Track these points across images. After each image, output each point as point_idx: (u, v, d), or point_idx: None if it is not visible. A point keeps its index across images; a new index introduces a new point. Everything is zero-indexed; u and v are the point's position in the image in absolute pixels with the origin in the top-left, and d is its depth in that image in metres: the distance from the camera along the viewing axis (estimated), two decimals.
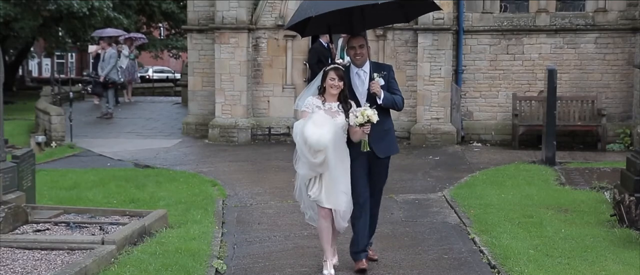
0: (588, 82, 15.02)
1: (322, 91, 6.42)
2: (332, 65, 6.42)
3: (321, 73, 6.50)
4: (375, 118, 6.18)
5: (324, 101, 6.38)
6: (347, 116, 6.34)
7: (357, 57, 6.61)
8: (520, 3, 15.42)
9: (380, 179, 6.82)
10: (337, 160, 6.30)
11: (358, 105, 6.45)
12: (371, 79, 6.50)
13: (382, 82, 6.50)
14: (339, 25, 6.91)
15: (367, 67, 6.63)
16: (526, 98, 14.99)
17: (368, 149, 6.35)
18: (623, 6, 14.80)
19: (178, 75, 39.23)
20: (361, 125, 6.21)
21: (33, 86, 35.22)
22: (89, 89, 19.42)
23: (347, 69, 6.59)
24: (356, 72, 6.63)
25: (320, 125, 6.18)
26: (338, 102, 6.41)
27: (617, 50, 14.89)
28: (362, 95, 6.57)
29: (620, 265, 6.61)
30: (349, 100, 6.45)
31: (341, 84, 6.33)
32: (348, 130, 6.42)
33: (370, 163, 6.61)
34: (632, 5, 14.74)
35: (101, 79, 18.88)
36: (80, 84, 21.86)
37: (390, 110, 6.74)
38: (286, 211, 9.04)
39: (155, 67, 45.49)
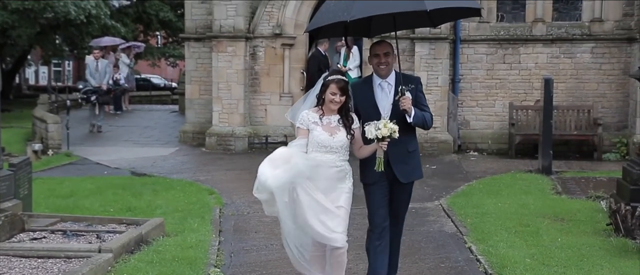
0: (584, 91, 15.07)
1: (320, 103, 5.64)
2: (333, 76, 5.60)
3: (319, 82, 5.68)
4: (397, 134, 5.41)
5: (322, 115, 5.61)
6: (348, 132, 5.58)
7: (382, 67, 5.74)
8: (517, 13, 15.49)
9: (402, 206, 6.00)
10: (305, 196, 5.46)
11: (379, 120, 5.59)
12: (397, 92, 5.66)
13: (409, 96, 5.66)
14: (357, 27, 5.98)
15: (392, 78, 5.78)
16: (523, 107, 15.03)
17: (382, 169, 5.55)
18: (619, 16, 14.87)
19: (170, 83, 39.33)
20: (381, 139, 5.43)
21: (30, 94, 35.20)
22: (93, 99, 18.39)
23: (368, 79, 5.85)
24: (379, 84, 5.78)
25: (276, 166, 5.40)
26: (338, 116, 5.63)
27: (613, 60, 14.95)
28: (385, 110, 5.70)
29: (616, 274, 6.62)
30: (351, 114, 5.65)
31: (343, 99, 5.55)
32: (352, 147, 5.69)
33: (391, 188, 5.84)
34: (628, 15, 14.80)
35: (105, 87, 18.48)
36: (78, 95, 20.48)
37: (416, 129, 5.88)
38: None
39: (144, 75, 45.01)
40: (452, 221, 8.87)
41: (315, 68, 15.18)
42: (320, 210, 5.48)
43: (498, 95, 15.30)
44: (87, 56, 23.60)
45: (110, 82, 19.47)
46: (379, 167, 5.56)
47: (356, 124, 5.66)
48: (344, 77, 5.63)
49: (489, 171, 12.76)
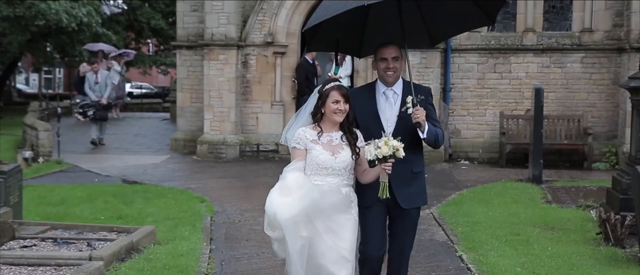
0: (574, 101, 15.15)
1: (317, 118, 4.80)
2: (332, 83, 4.81)
3: (314, 94, 4.87)
4: (402, 151, 4.55)
5: (320, 132, 4.77)
6: (353, 151, 4.76)
7: (389, 73, 4.95)
8: (508, 22, 15.57)
9: (406, 237, 5.13)
10: (321, 230, 4.60)
11: (381, 135, 4.74)
12: (404, 102, 4.94)
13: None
14: (348, 42, 5.38)
15: (399, 87, 5.01)
16: (513, 116, 15.10)
17: (387, 195, 4.69)
18: (609, 26, 14.97)
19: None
20: (382, 160, 4.58)
21: (20, 101, 35.08)
22: (90, 114, 17.08)
23: (371, 87, 5.09)
24: (384, 92, 5.01)
25: (288, 193, 4.53)
26: (341, 132, 4.80)
27: (603, 70, 15.04)
28: (389, 122, 4.95)
29: None
30: (355, 130, 4.84)
31: (347, 107, 4.73)
32: (355, 171, 4.84)
33: (390, 215, 5.05)
34: (617, 25, 14.91)
35: (105, 101, 17.24)
36: (76, 112, 18.55)
37: (423, 147, 5.06)
38: None
39: (133, 83, 44.76)
40: (443, 230, 8.89)
41: (302, 76, 15.25)
42: (327, 253, 4.62)
43: (489, 105, 15.36)
44: (84, 65, 23.32)
45: (113, 95, 18.50)
46: (383, 193, 4.69)
47: (361, 142, 4.82)
48: (342, 84, 4.89)
49: (480, 180, 12.79)
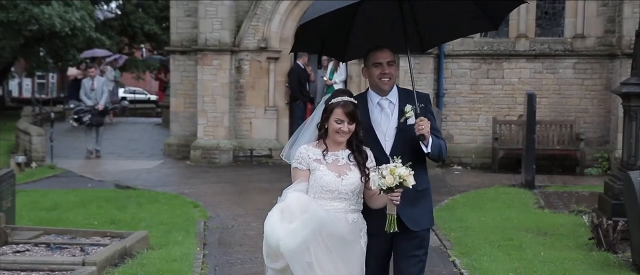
0: (567, 106, 15.21)
1: (322, 133, 4.30)
2: (338, 98, 4.27)
3: (321, 104, 4.39)
4: (411, 180, 4.02)
5: (325, 151, 4.27)
6: (362, 173, 4.24)
7: (384, 79, 4.45)
8: (500, 28, 15.57)
9: (411, 265, 4.45)
10: (323, 261, 4.05)
11: (379, 150, 4.37)
12: (403, 112, 4.44)
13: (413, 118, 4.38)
14: (333, 45, 4.82)
15: (394, 95, 4.51)
16: (506, 122, 15.15)
17: (396, 229, 4.17)
18: (601, 32, 15.04)
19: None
20: (388, 190, 4.04)
21: (13, 106, 34.98)
22: (85, 119, 16.33)
23: (362, 97, 4.49)
24: (378, 103, 4.47)
25: (290, 218, 4.00)
26: (348, 151, 4.30)
27: (595, 76, 15.10)
28: (386, 135, 4.42)
29: None
30: (365, 148, 4.32)
31: (353, 127, 4.22)
32: (364, 193, 4.31)
33: (394, 240, 4.45)
34: (609, 31, 14.98)
35: (101, 107, 16.39)
36: (71, 119, 17.86)
37: (426, 162, 4.51)
38: None
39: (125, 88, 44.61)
40: (436, 235, 8.89)
41: (295, 82, 15.30)
42: None
43: (482, 110, 15.40)
44: (71, 69, 23.25)
45: (108, 100, 17.69)
46: (391, 227, 4.16)
47: (371, 161, 4.31)
48: (352, 99, 4.30)
49: (473, 185, 12.83)
